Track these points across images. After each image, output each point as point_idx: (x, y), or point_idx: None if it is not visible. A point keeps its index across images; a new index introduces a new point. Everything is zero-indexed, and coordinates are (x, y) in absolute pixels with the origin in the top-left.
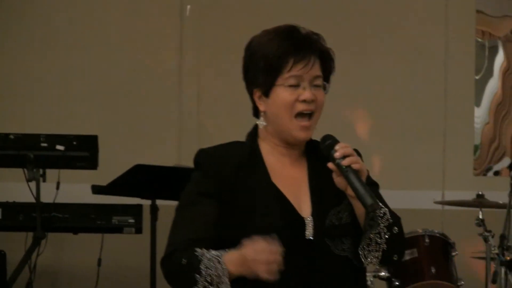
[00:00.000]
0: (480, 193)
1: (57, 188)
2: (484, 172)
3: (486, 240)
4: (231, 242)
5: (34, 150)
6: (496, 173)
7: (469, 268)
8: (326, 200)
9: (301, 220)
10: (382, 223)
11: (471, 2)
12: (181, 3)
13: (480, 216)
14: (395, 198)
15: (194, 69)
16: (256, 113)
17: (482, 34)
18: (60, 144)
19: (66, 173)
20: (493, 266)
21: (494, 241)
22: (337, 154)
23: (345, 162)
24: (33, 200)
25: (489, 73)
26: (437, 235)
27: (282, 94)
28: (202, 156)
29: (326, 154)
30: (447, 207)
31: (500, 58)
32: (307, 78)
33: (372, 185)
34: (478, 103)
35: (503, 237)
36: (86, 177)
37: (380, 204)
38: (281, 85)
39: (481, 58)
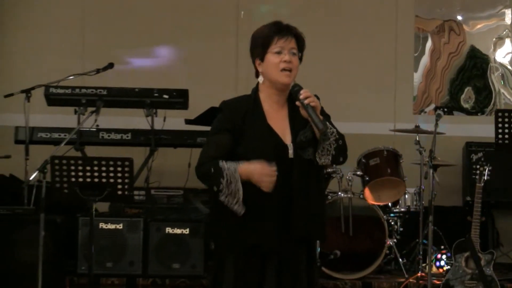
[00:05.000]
0: (417, 124)
1: (164, 120)
2: (419, 112)
3: (420, 153)
4: (239, 160)
5: (150, 97)
6: (425, 112)
7: (410, 170)
8: (298, 130)
9: (285, 146)
10: (331, 138)
11: (411, 9)
12: (237, 9)
13: (417, 139)
14: (366, 127)
15: (247, 58)
16: (257, 74)
17: (418, 29)
18: (166, 94)
19: (169, 111)
20: (424, 168)
21: (425, 154)
22: (301, 96)
23: (306, 101)
24: (149, 128)
25: (422, 52)
26: (391, 149)
27: (271, 58)
28: (223, 105)
29: (294, 96)
30: (397, 133)
31: (429, 44)
32: (286, 48)
33: (326, 116)
34: (416, 70)
35: (431, 151)
36: (181, 114)
37: (330, 126)
38: (270, 52)
39: (418, 43)
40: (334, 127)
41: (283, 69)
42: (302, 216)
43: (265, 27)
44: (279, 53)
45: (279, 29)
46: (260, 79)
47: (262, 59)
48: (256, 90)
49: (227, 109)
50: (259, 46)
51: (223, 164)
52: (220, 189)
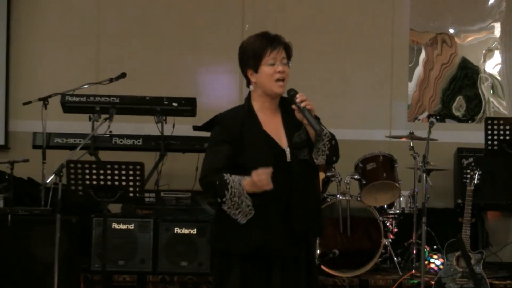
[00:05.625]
0: (411, 131)
1: (173, 127)
2: (413, 120)
3: (414, 158)
4: (241, 168)
5: (160, 105)
6: (419, 120)
7: (405, 174)
8: (293, 133)
9: (282, 151)
10: (325, 138)
11: (406, 23)
12: (242, 23)
13: (411, 144)
14: (364, 134)
15: None
16: (248, 84)
17: (413, 42)
18: (175, 102)
19: (178, 119)
20: (418, 172)
21: (419, 159)
22: (297, 100)
23: (302, 104)
24: (159, 134)
25: (416, 63)
26: (387, 154)
27: (266, 69)
28: (219, 117)
29: (290, 100)
30: (392, 139)
31: (422, 55)
32: (279, 59)
33: (316, 118)
34: (410, 79)
35: (424, 156)
36: (189, 121)
37: (323, 128)
38: (265, 64)
39: (412, 55)
40: (325, 128)
41: (278, 80)
42: (303, 213)
43: (256, 39)
44: (272, 64)
45: (271, 41)
46: (251, 88)
47: (256, 70)
48: (248, 99)
49: (224, 121)
50: (251, 57)
51: (228, 177)
52: (223, 201)
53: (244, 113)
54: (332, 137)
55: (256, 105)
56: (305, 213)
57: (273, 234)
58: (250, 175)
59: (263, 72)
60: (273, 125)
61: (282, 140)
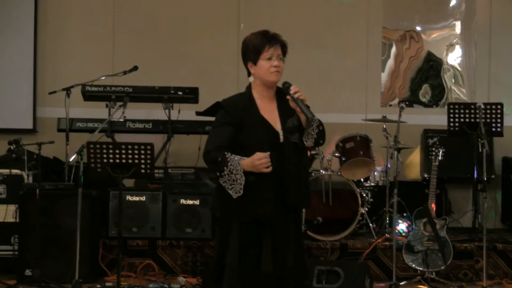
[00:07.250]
0: (384, 115)
1: (179, 112)
2: (385, 105)
3: (387, 138)
4: (241, 146)
5: (167, 94)
6: (390, 105)
7: (379, 152)
8: (287, 119)
9: (276, 133)
10: (314, 124)
11: (379, 22)
12: (238, 22)
13: (384, 126)
14: (343, 117)
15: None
16: (249, 74)
17: (385, 38)
18: (180, 91)
19: (183, 105)
20: (390, 150)
21: (391, 139)
22: (291, 91)
23: (296, 95)
24: (167, 118)
25: (388, 56)
26: (363, 135)
27: (263, 63)
28: (223, 103)
29: (285, 91)
30: (368, 122)
31: (393, 49)
32: (275, 55)
33: (306, 106)
34: (383, 70)
35: (395, 137)
36: (192, 107)
37: (314, 115)
38: (263, 59)
39: (384, 49)
40: (315, 116)
41: (273, 72)
42: (293, 188)
43: (257, 36)
44: (269, 59)
45: (269, 39)
46: (251, 79)
47: (255, 63)
48: (249, 88)
49: (228, 106)
50: (252, 52)
51: (229, 155)
52: (221, 175)
53: (245, 100)
54: (320, 123)
55: (255, 93)
56: (295, 188)
57: (266, 206)
58: (248, 153)
59: (261, 65)
60: (269, 111)
61: (276, 124)
